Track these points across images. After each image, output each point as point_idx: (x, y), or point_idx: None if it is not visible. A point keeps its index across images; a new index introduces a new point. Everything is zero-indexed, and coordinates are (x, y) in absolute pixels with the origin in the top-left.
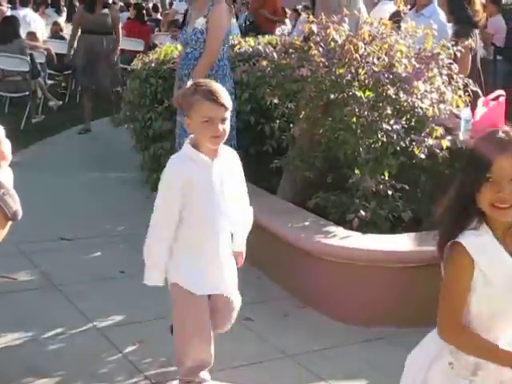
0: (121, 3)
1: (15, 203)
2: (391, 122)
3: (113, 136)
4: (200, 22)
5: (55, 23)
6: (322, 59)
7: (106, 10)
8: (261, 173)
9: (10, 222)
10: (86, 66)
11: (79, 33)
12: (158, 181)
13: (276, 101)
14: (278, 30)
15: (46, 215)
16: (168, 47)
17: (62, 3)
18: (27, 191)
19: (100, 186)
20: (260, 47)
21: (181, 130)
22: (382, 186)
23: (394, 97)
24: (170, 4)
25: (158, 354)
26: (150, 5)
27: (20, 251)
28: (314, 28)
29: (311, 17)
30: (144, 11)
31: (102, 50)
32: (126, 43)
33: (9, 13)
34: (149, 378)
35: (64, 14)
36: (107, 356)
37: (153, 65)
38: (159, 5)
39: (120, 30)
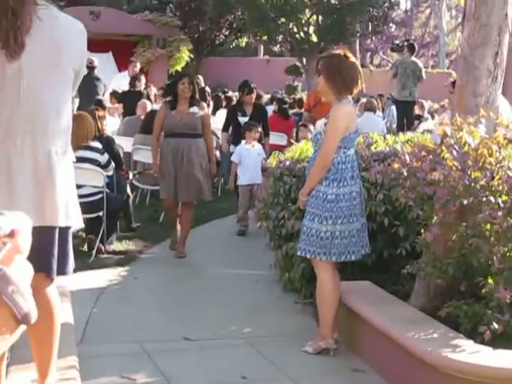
0: (267, 96)
1: (27, 303)
2: None
3: (249, 233)
4: (320, 124)
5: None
6: (455, 163)
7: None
8: (395, 276)
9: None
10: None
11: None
12: (289, 280)
13: (411, 203)
14: None
15: (174, 312)
16: (304, 145)
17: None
18: (159, 286)
19: (231, 284)
20: (398, 146)
21: (304, 234)
22: None
23: None
24: None
25: None
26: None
27: (143, 350)
28: (448, 130)
29: (446, 118)
30: (287, 105)
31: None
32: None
33: (154, 107)
34: None
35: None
36: None
37: (287, 163)
38: None
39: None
